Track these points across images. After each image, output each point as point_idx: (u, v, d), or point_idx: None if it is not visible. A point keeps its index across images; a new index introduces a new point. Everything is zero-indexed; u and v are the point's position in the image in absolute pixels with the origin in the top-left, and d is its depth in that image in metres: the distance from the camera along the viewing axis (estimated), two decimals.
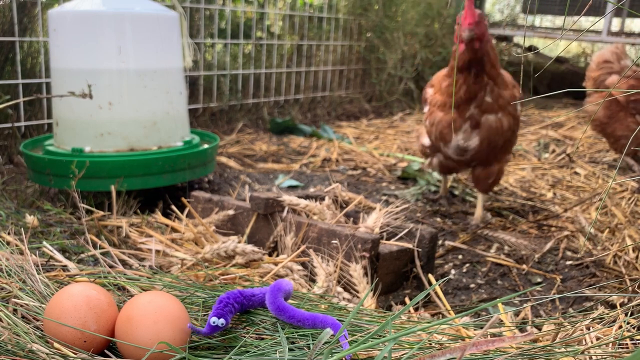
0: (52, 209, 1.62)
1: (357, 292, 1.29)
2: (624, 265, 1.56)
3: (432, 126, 1.78)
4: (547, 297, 1.36)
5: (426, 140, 1.90)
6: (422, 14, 4.08)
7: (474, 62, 1.62)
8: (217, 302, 0.86)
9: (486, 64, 1.64)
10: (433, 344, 0.87)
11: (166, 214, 1.73)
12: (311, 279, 1.35)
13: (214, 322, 0.83)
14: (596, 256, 1.63)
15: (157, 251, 1.40)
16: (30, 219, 1.44)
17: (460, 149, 1.74)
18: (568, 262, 1.63)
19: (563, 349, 0.85)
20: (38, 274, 1.00)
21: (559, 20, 5.32)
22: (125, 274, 1.13)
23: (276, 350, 0.80)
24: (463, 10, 1.60)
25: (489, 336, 0.94)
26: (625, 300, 1.24)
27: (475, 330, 1.02)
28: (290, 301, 0.91)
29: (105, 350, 0.84)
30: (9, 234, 1.25)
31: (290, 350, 0.81)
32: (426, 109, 1.85)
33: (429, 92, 1.85)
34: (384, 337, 0.79)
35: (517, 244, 1.73)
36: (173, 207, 1.65)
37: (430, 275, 1.36)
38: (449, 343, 0.88)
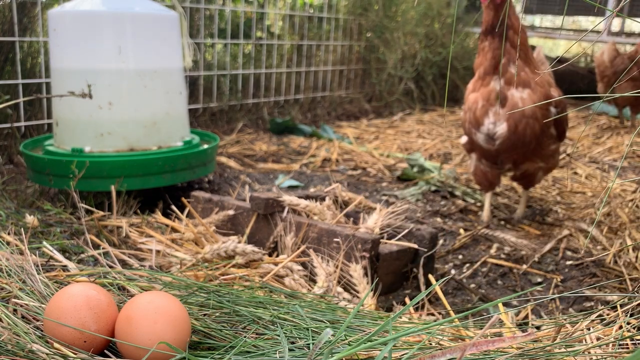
0: (52, 209, 1.62)
1: (357, 292, 1.29)
2: (624, 265, 1.56)
3: (466, 113, 1.82)
4: (547, 297, 1.36)
5: (464, 138, 1.93)
6: (422, 14, 4.08)
7: (496, 24, 1.69)
8: None
9: (509, 28, 1.71)
10: (433, 344, 0.87)
11: (166, 214, 1.73)
12: (311, 279, 1.35)
13: None
14: (596, 256, 1.63)
15: (157, 251, 1.40)
16: (30, 219, 1.44)
17: (490, 136, 1.76)
18: (568, 262, 1.63)
19: (563, 349, 0.85)
20: (38, 274, 1.00)
21: (559, 20, 5.32)
22: (125, 274, 1.13)
23: (276, 351, 0.80)
24: None
25: (489, 336, 0.94)
26: (626, 300, 1.24)
27: (475, 330, 1.02)
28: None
29: (105, 351, 0.84)
30: (9, 234, 1.25)
31: (290, 350, 0.81)
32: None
33: (469, 88, 1.90)
34: (384, 337, 0.79)
35: (518, 244, 1.73)
36: (173, 207, 1.65)
37: (430, 276, 1.36)
38: (449, 343, 0.88)
